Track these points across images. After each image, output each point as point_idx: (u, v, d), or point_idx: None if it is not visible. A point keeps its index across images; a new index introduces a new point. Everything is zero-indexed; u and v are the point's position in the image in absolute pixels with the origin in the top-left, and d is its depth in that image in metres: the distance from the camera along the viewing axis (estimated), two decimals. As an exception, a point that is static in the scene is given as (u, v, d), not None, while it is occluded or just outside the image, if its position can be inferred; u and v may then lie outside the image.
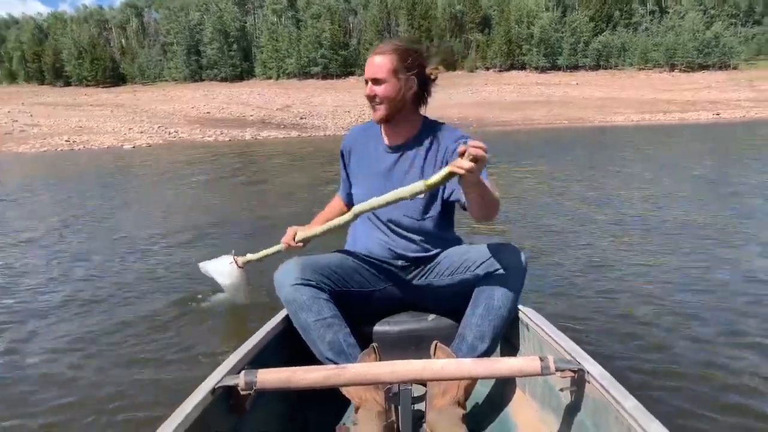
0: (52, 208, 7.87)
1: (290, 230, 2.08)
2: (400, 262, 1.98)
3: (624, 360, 2.56)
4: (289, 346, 1.85)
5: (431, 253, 1.98)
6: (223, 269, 3.02)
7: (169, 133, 24.85)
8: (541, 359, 1.40)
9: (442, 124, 2.01)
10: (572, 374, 1.44)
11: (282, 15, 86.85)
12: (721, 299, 3.33)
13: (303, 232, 2.06)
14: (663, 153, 13.52)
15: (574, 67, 77.32)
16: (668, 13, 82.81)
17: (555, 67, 77.45)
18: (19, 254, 5.03)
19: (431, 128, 1.97)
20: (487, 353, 1.78)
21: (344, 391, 1.68)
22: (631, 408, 1.20)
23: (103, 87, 77.31)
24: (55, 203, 8.36)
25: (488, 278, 1.79)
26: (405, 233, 1.96)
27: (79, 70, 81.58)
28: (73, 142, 21.79)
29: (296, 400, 1.82)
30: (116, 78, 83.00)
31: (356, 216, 1.82)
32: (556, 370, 1.41)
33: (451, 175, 1.50)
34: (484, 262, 1.81)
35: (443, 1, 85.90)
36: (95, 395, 2.39)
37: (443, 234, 2.01)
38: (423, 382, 1.70)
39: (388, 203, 1.66)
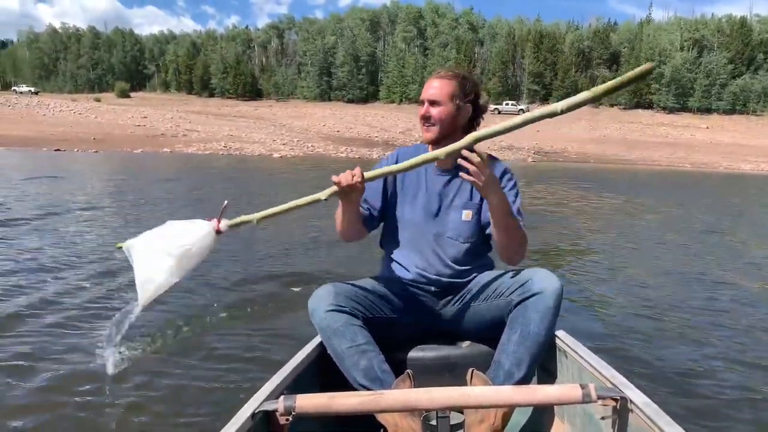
0: (241, 192, 10.26)
1: (353, 171, 1.81)
2: (434, 288, 2.00)
3: (670, 389, 2.63)
4: (323, 372, 1.85)
5: (466, 278, 2.00)
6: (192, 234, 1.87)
7: (308, 147, 27.85)
8: (582, 387, 1.39)
9: (488, 153, 2.03)
10: (614, 402, 1.41)
11: (410, 43, 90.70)
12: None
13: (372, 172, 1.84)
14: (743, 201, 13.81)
15: (707, 110, 73.73)
16: (820, 58, 77.04)
17: (685, 109, 74.34)
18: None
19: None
20: (525, 380, 1.75)
21: (380, 418, 1.67)
22: None
23: (242, 100, 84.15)
24: (244, 190, 10.77)
25: (524, 303, 1.78)
26: (442, 257, 1.99)
27: (223, 84, 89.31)
28: (229, 147, 25.31)
29: (333, 426, 1.79)
30: (254, 92, 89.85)
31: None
32: (598, 398, 1.39)
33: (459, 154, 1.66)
34: (519, 287, 1.81)
35: (572, 36, 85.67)
36: (130, 415, 2.44)
37: (480, 259, 2.05)
38: (460, 410, 1.68)
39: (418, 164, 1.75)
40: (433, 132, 1.95)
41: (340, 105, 77.05)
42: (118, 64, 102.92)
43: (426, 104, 1.94)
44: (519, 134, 41.95)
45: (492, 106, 68.21)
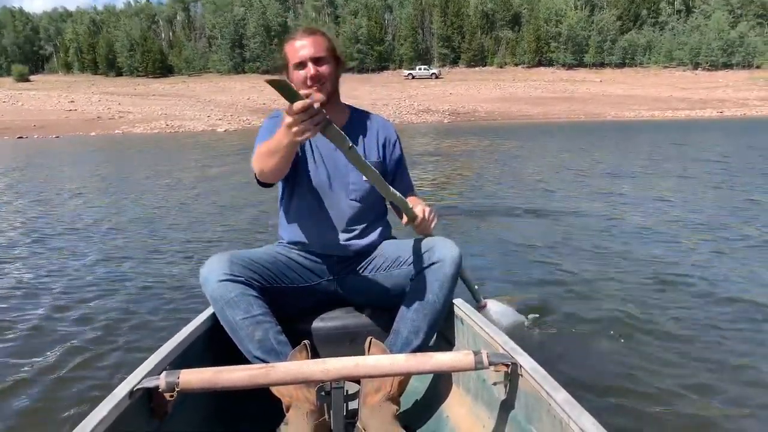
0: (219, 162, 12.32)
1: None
2: (335, 256, 1.94)
3: (560, 356, 2.59)
4: (215, 346, 1.77)
5: (367, 247, 1.96)
6: None
7: (243, 121, 29.59)
8: (475, 353, 1.40)
9: (367, 112, 2.06)
10: (505, 368, 1.44)
11: (321, 11, 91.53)
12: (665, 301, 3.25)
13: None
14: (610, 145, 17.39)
15: (601, 65, 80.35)
16: (694, 12, 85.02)
17: (582, 65, 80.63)
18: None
19: (361, 114, 2.03)
20: (422, 348, 1.75)
21: (274, 390, 1.64)
22: (563, 401, 1.21)
23: (152, 77, 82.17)
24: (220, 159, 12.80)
25: (423, 272, 1.78)
26: (344, 223, 1.93)
27: (131, 62, 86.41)
28: (171, 125, 26.75)
29: (223, 402, 1.75)
30: (164, 69, 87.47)
31: None
32: (490, 365, 1.41)
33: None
34: (419, 256, 1.81)
35: (476, 0, 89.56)
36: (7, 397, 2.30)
37: (379, 221, 2.02)
38: (356, 379, 1.66)
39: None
40: (325, 91, 1.81)
41: (256, 77, 76.93)
42: (11, 46, 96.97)
43: (310, 64, 1.79)
44: (435, 98, 44.90)
45: (405, 72, 71.64)
